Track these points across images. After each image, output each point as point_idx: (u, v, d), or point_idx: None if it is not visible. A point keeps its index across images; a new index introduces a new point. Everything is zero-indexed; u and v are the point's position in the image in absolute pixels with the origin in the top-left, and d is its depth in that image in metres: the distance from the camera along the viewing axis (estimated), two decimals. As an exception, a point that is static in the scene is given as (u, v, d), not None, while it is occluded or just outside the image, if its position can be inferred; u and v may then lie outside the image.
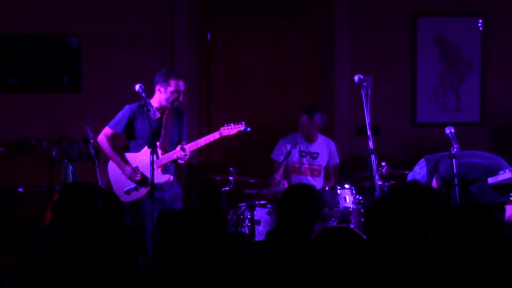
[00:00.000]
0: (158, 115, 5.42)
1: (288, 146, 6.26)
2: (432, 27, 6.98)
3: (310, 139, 6.29)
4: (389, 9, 6.99)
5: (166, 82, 5.34)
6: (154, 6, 6.93)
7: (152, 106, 5.41)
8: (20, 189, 5.68)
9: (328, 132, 6.69)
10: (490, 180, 5.20)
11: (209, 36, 7.12)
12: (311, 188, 3.78)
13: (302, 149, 6.28)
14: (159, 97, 5.40)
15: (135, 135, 5.41)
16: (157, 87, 5.40)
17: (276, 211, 3.67)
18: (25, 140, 6.67)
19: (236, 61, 7.15)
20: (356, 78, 4.93)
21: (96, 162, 5.55)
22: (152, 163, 4.98)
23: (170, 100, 5.37)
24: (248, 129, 5.38)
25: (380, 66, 6.96)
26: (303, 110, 6.27)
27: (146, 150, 5.23)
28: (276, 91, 7.11)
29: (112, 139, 5.44)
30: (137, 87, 5.15)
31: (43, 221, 5.39)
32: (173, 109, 5.45)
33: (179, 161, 5.39)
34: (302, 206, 3.54)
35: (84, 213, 3.31)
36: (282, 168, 6.15)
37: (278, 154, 6.32)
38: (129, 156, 5.42)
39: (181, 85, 5.39)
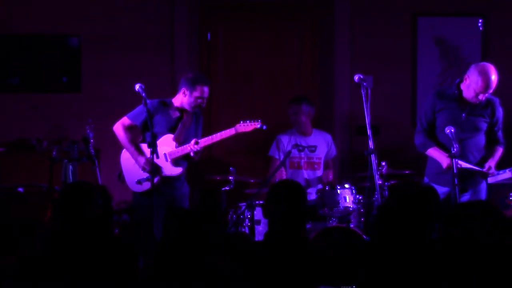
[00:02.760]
0: (177, 114, 5.46)
1: (284, 141, 6.28)
2: (432, 27, 6.98)
3: (304, 131, 6.31)
4: (389, 9, 6.99)
5: (193, 86, 5.40)
6: (154, 6, 6.93)
7: (173, 105, 5.47)
8: (20, 189, 5.68)
9: (328, 131, 6.69)
10: (490, 180, 5.20)
11: (209, 36, 7.13)
12: (291, 183, 3.77)
13: (299, 143, 6.30)
14: (182, 99, 5.45)
15: (153, 128, 5.40)
16: (183, 89, 5.44)
17: (265, 215, 3.65)
18: (25, 140, 6.68)
19: (236, 61, 7.15)
20: (356, 78, 4.93)
21: (96, 162, 5.55)
22: (152, 163, 4.98)
23: (193, 105, 5.43)
24: (264, 126, 5.37)
25: (380, 66, 6.97)
26: (289, 101, 6.37)
27: (160, 141, 5.28)
28: (276, 91, 7.11)
29: (128, 129, 5.45)
30: (137, 87, 5.15)
31: (43, 221, 5.39)
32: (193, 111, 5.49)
33: (192, 155, 5.37)
34: (285, 202, 3.52)
35: (84, 213, 3.31)
36: (281, 168, 6.15)
37: (275, 151, 6.34)
38: (144, 146, 5.41)
39: (206, 91, 5.45)
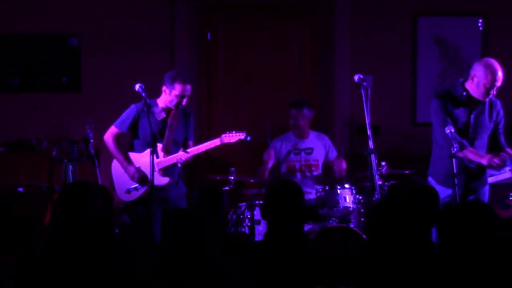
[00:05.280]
0: (163, 115, 5.43)
1: (278, 146, 6.26)
2: (432, 27, 6.98)
3: (301, 134, 6.28)
4: (389, 9, 6.99)
5: (171, 84, 5.34)
6: (154, 6, 6.93)
7: (157, 106, 5.43)
8: (20, 189, 5.67)
9: (328, 132, 6.69)
10: (490, 180, 5.20)
11: (209, 36, 7.13)
12: (289, 183, 3.77)
13: (296, 146, 6.27)
14: (164, 98, 5.42)
15: (138, 134, 5.41)
16: (163, 87, 5.40)
17: (263, 216, 3.66)
18: (25, 140, 6.68)
19: (236, 61, 7.15)
20: (356, 78, 4.93)
21: (96, 162, 5.55)
22: (152, 163, 4.98)
23: (174, 103, 5.38)
24: (248, 138, 5.42)
25: (380, 66, 6.97)
26: (290, 105, 6.32)
27: (149, 151, 5.27)
28: (276, 91, 7.12)
29: (117, 137, 5.46)
30: (137, 87, 5.15)
31: (43, 221, 5.39)
32: (179, 109, 5.46)
33: (179, 166, 5.40)
34: (283, 202, 3.52)
35: (84, 213, 3.31)
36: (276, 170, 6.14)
37: (266, 154, 6.31)
38: (133, 155, 5.43)
39: (187, 89, 5.38)
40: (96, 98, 6.89)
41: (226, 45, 7.14)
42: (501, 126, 5.25)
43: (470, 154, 5.04)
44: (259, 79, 7.14)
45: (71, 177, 5.53)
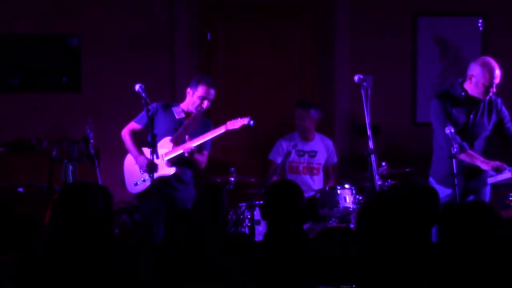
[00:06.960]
0: (182, 115, 5.51)
1: (285, 146, 6.25)
2: (432, 27, 6.98)
3: (306, 136, 6.28)
4: (389, 9, 6.99)
5: (196, 86, 5.46)
6: (154, 6, 6.94)
7: (179, 107, 5.52)
8: (20, 189, 5.68)
9: (328, 132, 6.70)
10: (490, 180, 5.19)
11: (209, 36, 7.13)
12: (288, 183, 3.78)
13: (300, 148, 6.27)
14: (187, 101, 5.51)
15: (154, 129, 5.43)
16: (188, 89, 5.50)
17: (263, 216, 3.66)
18: (25, 140, 6.68)
19: (236, 61, 7.15)
20: (356, 78, 4.92)
21: (96, 162, 5.55)
22: (152, 163, 4.99)
23: (195, 105, 5.45)
24: (251, 122, 5.38)
25: (380, 66, 6.97)
26: (296, 104, 6.32)
27: (160, 143, 5.36)
28: (276, 91, 7.12)
29: (134, 132, 5.52)
30: (137, 87, 5.15)
31: (43, 221, 5.39)
32: (201, 115, 5.48)
33: (186, 155, 5.40)
34: (282, 202, 3.52)
35: (84, 213, 3.31)
36: (280, 169, 6.14)
37: (275, 155, 6.32)
38: (145, 149, 5.49)
39: (211, 93, 5.48)
40: (96, 98, 6.90)
41: (226, 45, 7.14)
42: (506, 120, 5.23)
43: (471, 156, 5.04)
44: (259, 79, 7.14)
45: (71, 177, 5.54)
